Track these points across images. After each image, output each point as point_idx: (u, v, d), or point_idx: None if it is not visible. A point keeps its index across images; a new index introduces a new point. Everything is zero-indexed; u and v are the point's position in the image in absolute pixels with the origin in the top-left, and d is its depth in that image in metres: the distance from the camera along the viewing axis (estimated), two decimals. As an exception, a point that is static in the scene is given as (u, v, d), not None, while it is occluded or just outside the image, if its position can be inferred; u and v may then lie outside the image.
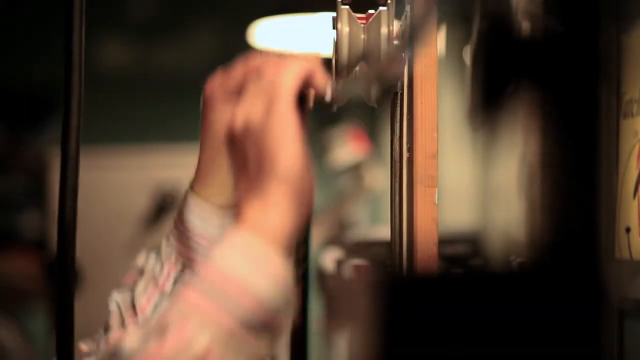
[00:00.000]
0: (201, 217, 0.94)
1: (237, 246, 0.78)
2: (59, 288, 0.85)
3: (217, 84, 0.92)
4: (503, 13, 0.57)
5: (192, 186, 0.95)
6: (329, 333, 1.81)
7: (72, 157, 0.84)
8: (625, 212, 0.97)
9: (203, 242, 0.93)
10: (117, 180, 2.41)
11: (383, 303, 0.55)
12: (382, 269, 0.75)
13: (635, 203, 0.96)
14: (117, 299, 0.99)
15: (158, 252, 0.98)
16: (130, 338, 0.77)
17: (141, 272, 0.98)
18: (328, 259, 1.86)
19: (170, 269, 0.95)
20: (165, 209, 2.39)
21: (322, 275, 1.89)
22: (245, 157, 0.81)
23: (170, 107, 3.41)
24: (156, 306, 0.97)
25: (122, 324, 0.98)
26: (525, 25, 0.55)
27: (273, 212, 0.78)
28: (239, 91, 0.87)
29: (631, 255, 0.97)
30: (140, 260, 0.99)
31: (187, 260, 0.94)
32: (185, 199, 0.95)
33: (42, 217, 2.77)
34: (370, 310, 0.56)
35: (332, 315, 1.20)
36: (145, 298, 0.96)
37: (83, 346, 0.99)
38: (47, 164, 2.55)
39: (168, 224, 1.00)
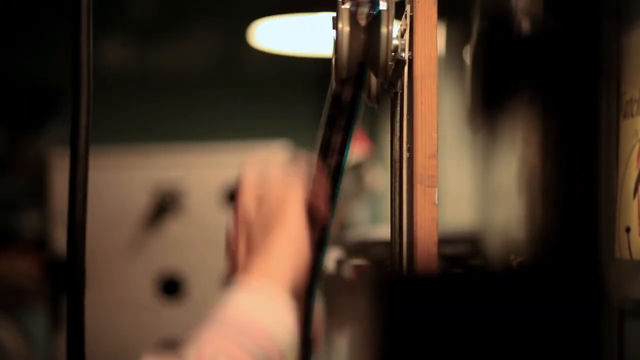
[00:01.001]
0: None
1: (253, 290, 0.82)
2: (68, 286, 0.85)
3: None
4: (503, 13, 0.57)
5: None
6: (329, 333, 1.81)
7: (82, 155, 0.84)
8: (626, 212, 0.97)
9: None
10: (117, 180, 2.41)
11: (383, 303, 0.55)
12: (382, 269, 0.75)
13: (635, 203, 0.96)
14: None
15: None
16: None
17: None
18: (328, 259, 1.85)
19: None
20: (165, 209, 2.39)
21: (322, 275, 1.89)
22: (249, 239, 0.86)
23: (170, 107, 3.41)
24: None
25: None
26: (525, 25, 0.55)
27: (276, 263, 0.84)
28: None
29: (631, 255, 0.97)
30: None
31: None
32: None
33: (42, 217, 2.77)
34: (370, 310, 0.56)
35: (332, 315, 1.20)
36: None
37: None
38: (47, 164, 2.55)
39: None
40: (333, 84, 0.94)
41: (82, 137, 0.84)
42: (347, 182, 2.61)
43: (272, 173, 0.88)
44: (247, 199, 0.87)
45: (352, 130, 0.90)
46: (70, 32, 0.84)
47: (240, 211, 0.86)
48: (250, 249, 0.85)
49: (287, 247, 0.84)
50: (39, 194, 2.76)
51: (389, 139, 0.90)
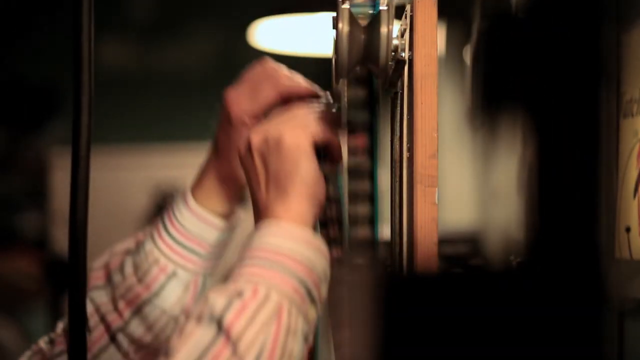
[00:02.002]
0: (200, 223, 1.01)
1: (274, 230, 0.86)
2: (69, 286, 0.85)
3: (243, 106, 0.99)
4: (503, 13, 0.57)
5: (194, 193, 1.02)
6: (329, 333, 1.81)
7: (83, 155, 0.84)
8: (626, 211, 0.97)
9: (198, 247, 1.01)
10: (117, 180, 2.41)
11: (383, 303, 0.55)
12: (382, 269, 0.75)
13: (635, 203, 0.96)
14: (96, 299, 1.03)
15: (136, 255, 1.02)
16: (216, 298, 0.82)
17: (107, 273, 1.03)
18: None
19: (158, 273, 1.01)
20: (165, 208, 2.39)
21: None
22: (264, 168, 0.89)
23: (170, 107, 3.41)
24: (145, 303, 1.01)
25: (103, 322, 1.01)
26: (525, 25, 0.55)
27: (295, 208, 0.87)
28: (263, 115, 0.97)
29: (631, 255, 0.97)
30: (102, 261, 1.05)
31: (178, 264, 1.01)
32: (182, 205, 1.02)
33: (42, 217, 2.77)
34: (370, 310, 0.56)
35: (332, 315, 1.20)
36: (127, 300, 1.02)
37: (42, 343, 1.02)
38: (47, 164, 2.55)
39: (150, 230, 1.04)
40: (333, 83, 0.94)
41: (83, 137, 0.84)
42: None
43: (285, 114, 0.91)
44: (258, 139, 0.89)
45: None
46: (71, 32, 0.85)
47: (255, 152, 0.89)
48: (268, 189, 0.88)
49: (304, 192, 0.87)
50: (39, 193, 2.76)
51: (389, 139, 0.90)
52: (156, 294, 1.01)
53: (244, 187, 0.97)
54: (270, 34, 2.35)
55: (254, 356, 0.80)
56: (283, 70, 0.99)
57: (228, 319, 0.80)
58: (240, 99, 1.00)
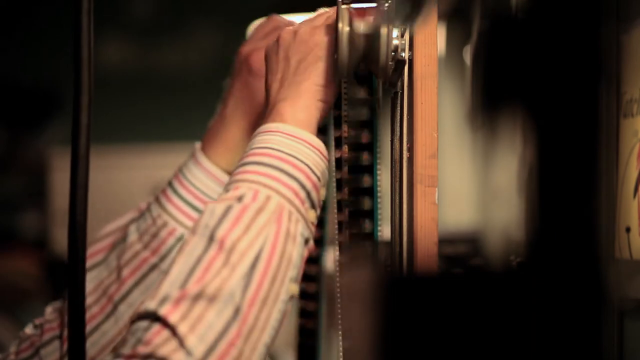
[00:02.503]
0: (211, 180, 1.00)
1: (278, 133, 0.87)
2: (69, 285, 0.85)
3: (262, 54, 0.97)
4: (503, 13, 0.57)
5: (204, 149, 1.01)
6: (329, 333, 1.81)
7: (83, 155, 0.85)
8: (626, 211, 0.97)
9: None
10: (117, 180, 2.41)
11: (383, 303, 0.55)
12: (382, 269, 0.75)
13: (635, 203, 0.96)
14: (95, 278, 1.00)
15: (141, 221, 1.00)
16: (215, 207, 0.82)
17: (113, 245, 1.01)
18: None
19: (167, 236, 0.99)
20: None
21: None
22: (286, 61, 0.90)
23: (170, 107, 3.40)
24: (151, 269, 0.99)
25: (104, 296, 0.99)
26: (525, 26, 0.55)
27: (303, 110, 0.88)
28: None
29: (631, 255, 0.97)
30: (108, 231, 1.03)
31: (188, 226, 0.98)
32: (192, 164, 1.01)
33: (42, 216, 2.77)
34: (370, 310, 0.56)
35: (332, 315, 1.20)
36: (131, 268, 0.99)
37: (28, 330, 0.99)
38: (47, 164, 2.55)
39: (156, 195, 1.02)
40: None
41: (83, 137, 0.84)
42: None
43: (310, 19, 0.94)
44: (287, 34, 0.92)
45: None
46: (71, 32, 0.85)
47: (282, 45, 0.91)
48: (283, 85, 0.89)
49: (315, 92, 0.88)
50: (38, 193, 2.76)
51: (389, 139, 0.90)
52: (163, 257, 0.99)
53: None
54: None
55: (249, 264, 0.79)
56: (291, 21, 1.02)
57: (223, 228, 0.80)
58: (258, 49, 1.01)
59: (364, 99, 0.91)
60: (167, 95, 3.42)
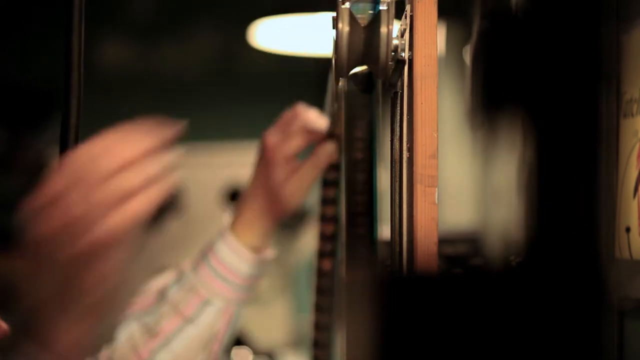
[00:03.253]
0: (236, 256, 1.17)
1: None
2: None
3: (277, 148, 1.16)
4: (503, 13, 0.57)
5: (233, 228, 1.18)
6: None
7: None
8: (626, 211, 0.97)
9: (235, 278, 1.16)
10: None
11: (383, 303, 0.55)
12: (382, 269, 0.75)
13: (635, 203, 0.96)
14: (132, 326, 1.16)
15: (180, 282, 1.17)
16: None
17: (160, 297, 1.17)
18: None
19: (195, 300, 1.16)
20: (166, 208, 2.39)
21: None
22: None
23: (170, 107, 3.40)
24: (179, 331, 1.15)
25: (135, 349, 1.14)
26: (525, 26, 0.55)
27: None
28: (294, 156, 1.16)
29: (631, 255, 0.97)
30: (156, 285, 1.20)
31: (215, 292, 1.16)
32: (221, 238, 1.18)
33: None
34: (370, 310, 0.56)
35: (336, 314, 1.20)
36: (167, 323, 1.14)
37: None
38: (47, 164, 2.55)
39: (193, 260, 1.21)
40: (332, 84, 0.94)
41: (71, 138, 0.85)
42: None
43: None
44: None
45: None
46: (62, 32, 0.84)
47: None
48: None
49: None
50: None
51: (389, 139, 0.90)
52: (190, 320, 1.14)
53: (277, 222, 1.18)
54: (271, 34, 2.35)
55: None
56: (311, 115, 1.15)
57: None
58: (275, 142, 1.15)
59: (363, 99, 0.91)
60: (168, 96, 3.42)
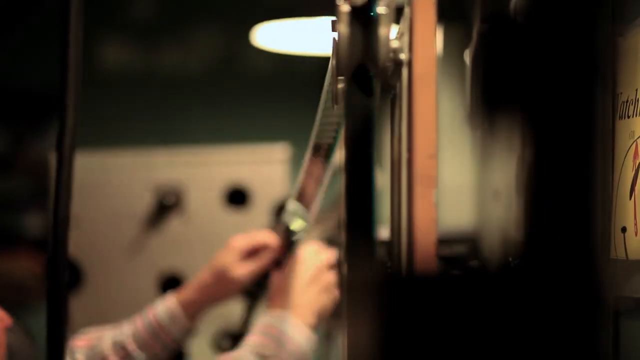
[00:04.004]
0: (175, 321, 1.39)
1: (285, 320, 1.31)
2: (50, 285, 0.86)
3: (243, 245, 1.43)
4: (501, 15, 0.57)
5: (179, 298, 1.42)
6: (329, 332, 1.81)
7: (67, 157, 0.85)
8: (621, 212, 0.98)
9: (167, 338, 1.38)
10: (118, 181, 2.41)
11: (383, 303, 0.55)
12: (381, 269, 0.75)
13: (631, 203, 0.97)
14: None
15: (117, 333, 1.39)
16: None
17: (96, 345, 1.39)
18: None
19: (131, 348, 1.37)
20: (166, 209, 2.39)
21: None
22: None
23: (171, 108, 3.40)
24: None
25: None
26: (523, 28, 0.56)
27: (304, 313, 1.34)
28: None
29: (627, 255, 0.97)
30: (95, 334, 1.42)
31: (145, 346, 1.37)
32: (167, 303, 1.41)
33: (45, 217, 2.77)
34: (370, 310, 0.56)
35: (332, 315, 1.21)
36: None
37: None
38: (49, 164, 2.55)
39: (138, 317, 1.40)
40: (332, 85, 0.95)
41: (68, 139, 0.85)
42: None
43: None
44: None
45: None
46: (59, 33, 0.84)
47: None
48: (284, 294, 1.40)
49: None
50: (42, 194, 2.76)
51: (389, 139, 0.90)
52: None
53: (208, 307, 1.43)
54: (272, 36, 2.35)
55: None
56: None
57: None
58: (242, 241, 1.46)
59: (362, 99, 0.91)
60: (169, 97, 3.42)
